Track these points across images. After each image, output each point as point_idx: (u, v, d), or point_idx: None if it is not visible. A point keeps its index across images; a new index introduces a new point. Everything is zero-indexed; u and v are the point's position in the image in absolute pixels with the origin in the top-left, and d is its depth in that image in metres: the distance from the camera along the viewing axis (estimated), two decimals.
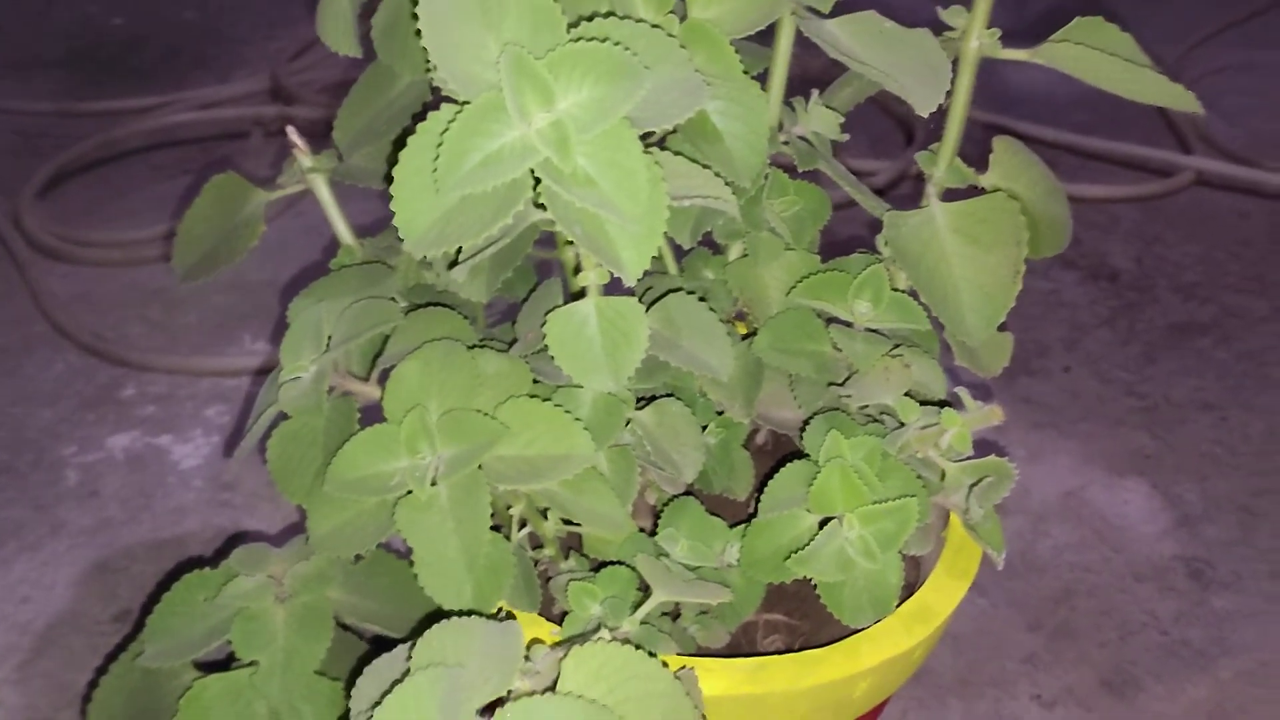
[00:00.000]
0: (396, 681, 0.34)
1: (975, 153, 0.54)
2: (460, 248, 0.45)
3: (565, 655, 0.36)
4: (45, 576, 0.77)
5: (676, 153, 0.44)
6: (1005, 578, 0.80)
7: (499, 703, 0.34)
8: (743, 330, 0.58)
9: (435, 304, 0.51)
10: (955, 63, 0.51)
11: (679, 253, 0.56)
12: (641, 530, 0.51)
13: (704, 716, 0.43)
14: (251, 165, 1.19)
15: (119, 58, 1.46)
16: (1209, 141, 1.32)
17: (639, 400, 0.50)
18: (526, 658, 0.38)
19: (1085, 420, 0.95)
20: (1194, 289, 1.11)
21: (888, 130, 1.29)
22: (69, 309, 1.02)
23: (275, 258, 1.04)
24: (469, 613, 0.39)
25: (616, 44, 0.37)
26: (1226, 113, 1.39)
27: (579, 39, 0.37)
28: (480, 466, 0.43)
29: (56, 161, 1.21)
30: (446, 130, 0.36)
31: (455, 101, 0.38)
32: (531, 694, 0.34)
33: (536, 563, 0.53)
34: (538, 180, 0.37)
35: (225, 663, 0.49)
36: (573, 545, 0.53)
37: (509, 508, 0.49)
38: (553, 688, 0.36)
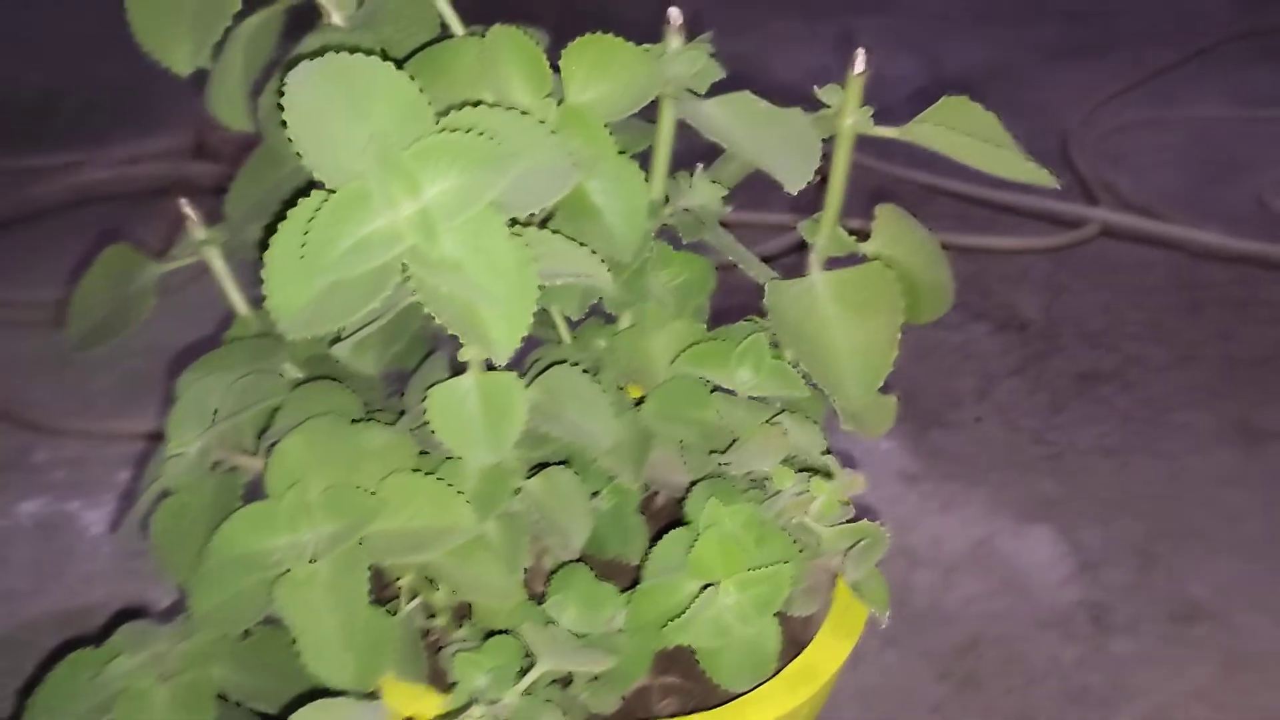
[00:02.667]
0: None
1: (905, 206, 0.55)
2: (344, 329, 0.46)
3: None
4: None
5: (556, 231, 0.45)
6: (915, 629, 0.82)
7: None
8: (638, 394, 0.59)
9: (328, 377, 0.52)
10: (833, 139, 0.53)
11: (574, 322, 0.57)
12: (538, 596, 0.52)
13: None
14: (170, 226, 1.18)
15: (36, 114, 1.45)
16: (1115, 195, 1.37)
17: (532, 468, 0.51)
18: None
19: (994, 470, 0.97)
20: (1099, 338, 1.14)
21: (808, 191, 1.32)
22: None
23: (193, 321, 1.03)
24: (341, 692, 0.39)
25: (483, 133, 0.38)
26: (1132, 167, 1.44)
27: (446, 129, 0.38)
28: (362, 542, 0.43)
29: None
30: (314, 217, 0.37)
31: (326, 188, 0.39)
32: None
33: (429, 632, 0.53)
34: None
35: None
36: (466, 614, 0.53)
37: (398, 579, 0.50)
38: None
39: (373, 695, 0.40)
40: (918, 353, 1.10)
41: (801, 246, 0.54)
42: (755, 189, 0.62)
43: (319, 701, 0.36)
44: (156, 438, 0.94)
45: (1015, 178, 0.50)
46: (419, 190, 0.37)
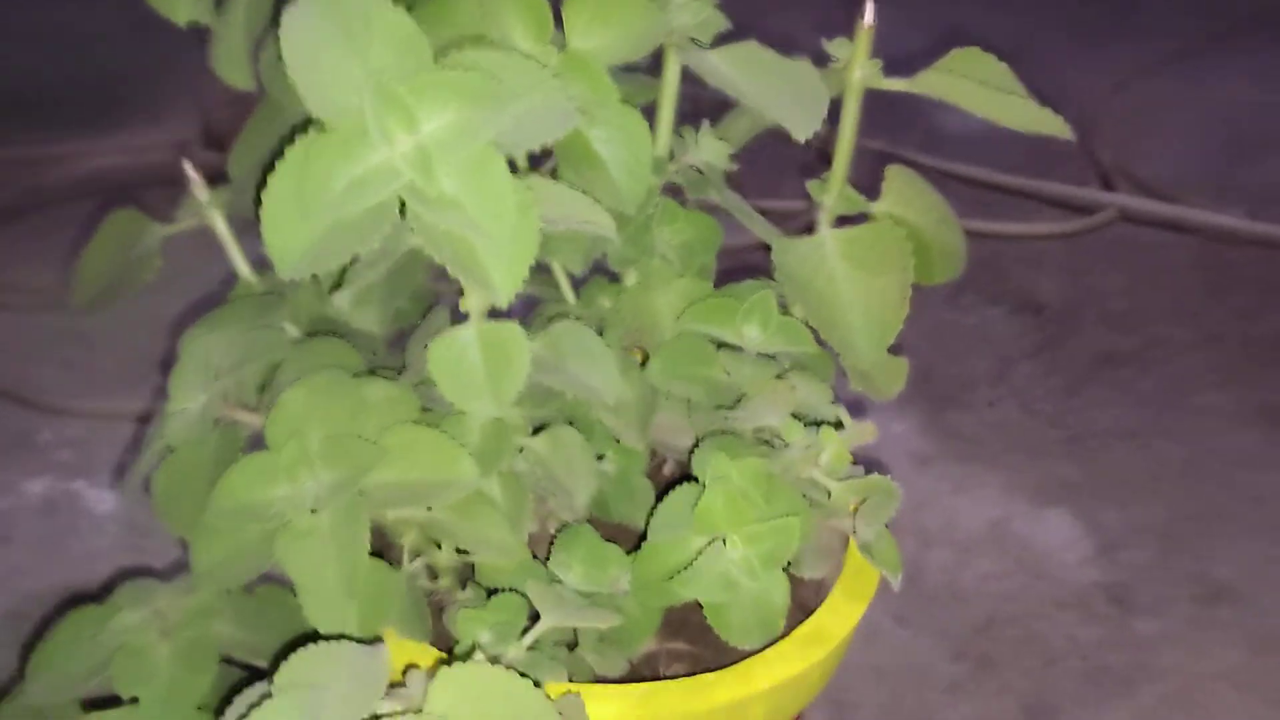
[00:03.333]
0: (255, 705, 0.33)
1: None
2: (345, 279, 0.46)
3: (434, 676, 0.36)
4: None
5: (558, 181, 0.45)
6: (930, 608, 0.81)
7: None
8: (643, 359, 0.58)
9: (331, 335, 0.51)
10: (841, 96, 0.52)
11: (577, 282, 0.57)
12: (543, 560, 0.51)
13: None
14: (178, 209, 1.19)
15: (45, 103, 1.45)
16: (1132, 179, 1.35)
17: (535, 428, 0.50)
18: (401, 682, 0.38)
19: (1010, 452, 0.96)
20: (1117, 321, 1.13)
21: (818, 174, 1.32)
22: None
23: (199, 304, 1.03)
24: (339, 637, 0.38)
25: (482, 71, 0.38)
26: (1153, 149, 1.42)
27: (445, 66, 0.38)
28: (363, 492, 0.43)
29: None
30: (311, 155, 0.37)
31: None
32: (395, 714, 0.34)
33: (434, 594, 0.52)
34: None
35: (115, 701, 0.48)
36: (469, 576, 0.52)
37: (401, 538, 0.49)
38: (420, 709, 0.35)
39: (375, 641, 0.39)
40: (932, 335, 1.09)
41: (811, 231, 0.54)
42: (763, 174, 0.61)
43: (319, 644, 0.36)
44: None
45: (1029, 128, 0.49)
46: (416, 125, 0.37)
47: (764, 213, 0.54)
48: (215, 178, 0.57)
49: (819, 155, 0.53)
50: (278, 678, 0.35)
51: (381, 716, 0.35)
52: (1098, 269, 1.21)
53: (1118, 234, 1.27)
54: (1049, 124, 0.50)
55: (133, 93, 1.47)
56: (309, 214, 0.37)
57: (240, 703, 0.36)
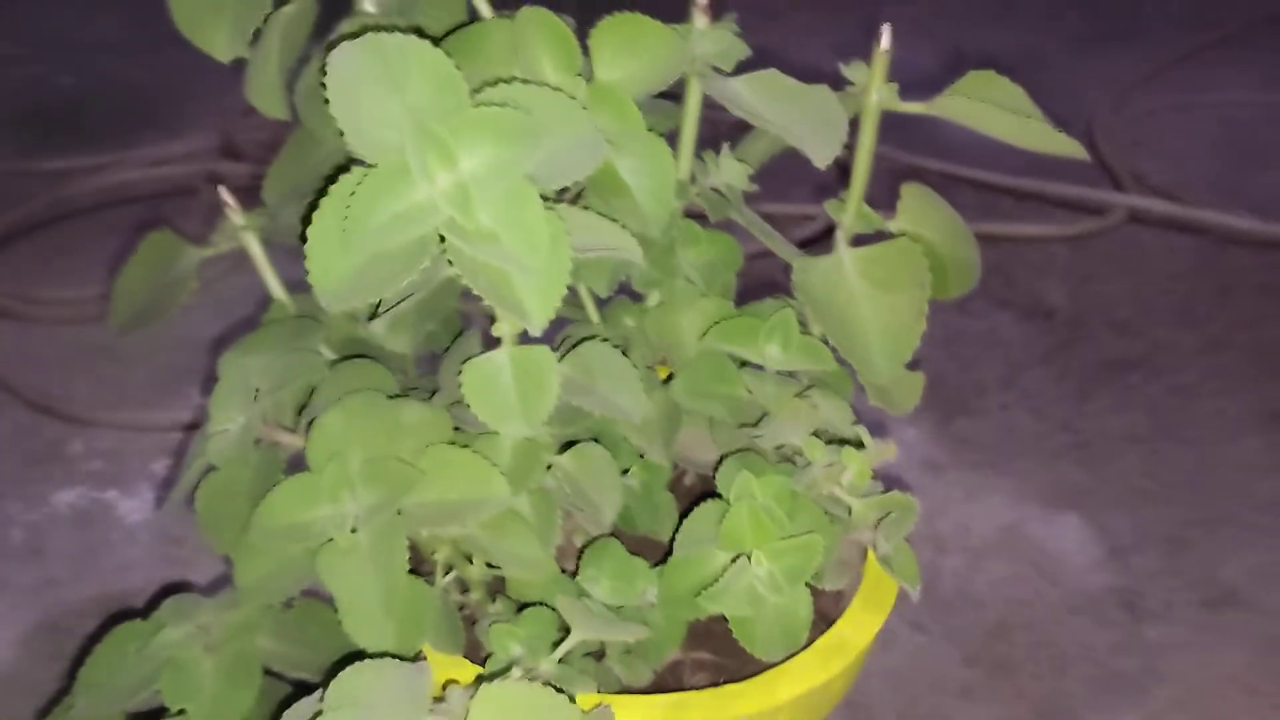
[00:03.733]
0: None
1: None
2: (380, 302, 0.47)
3: (474, 694, 0.37)
4: None
5: (585, 208, 0.46)
6: (944, 613, 0.82)
7: None
8: (665, 374, 0.59)
9: (364, 356, 0.53)
10: (858, 116, 0.53)
11: (601, 302, 0.58)
12: (569, 573, 0.53)
13: None
14: (201, 222, 1.20)
15: (68, 117, 1.47)
16: (1141, 181, 1.36)
17: (562, 446, 0.52)
18: (441, 698, 0.40)
19: (1021, 457, 0.97)
20: (1125, 325, 1.14)
21: (831, 180, 1.33)
22: (15, 366, 1.02)
23: (226, 316, 1.05)
24: (384, 655, 0.40)
25: (516, 107, 0.39)
26: (1159, 153, 1.43)
27: (480, 103, 0.39)
28: (401, 512, 0.44)
29: (4, 221, 1.21)
30: (354, 192, 0.38)
31: (365, 164, 0.39)
32: None
33: (464, 607, 0.54)
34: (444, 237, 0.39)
35: (159, 715, 0.50)
36: (500, 589, 0.54)
37: (434, 553, 0.50)
38: None
39: (415, 659, 0.41)
40: (942, 341, 1.10)
41: (824, 236, 0.55)
42: (777, 179, 0.62)
43: (365, 662, 0.37)
44: (191, 428, 0.96)
45: (1044, 149, 0.50)
46: (455, 163, 0.38)
47: (773, 217, 0.56)
48: (237, 190, 0.58)
49: (836, 165, 0.55)
50: (327, 697, 0.36)
51: None
52: (1106, 273, 1.22)
53: (1126, 236, 1.28)
54: (1064, 145, 0.51)
55: (153, 105, 1.48)
56: (350, 247, 0.39)
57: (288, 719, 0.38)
